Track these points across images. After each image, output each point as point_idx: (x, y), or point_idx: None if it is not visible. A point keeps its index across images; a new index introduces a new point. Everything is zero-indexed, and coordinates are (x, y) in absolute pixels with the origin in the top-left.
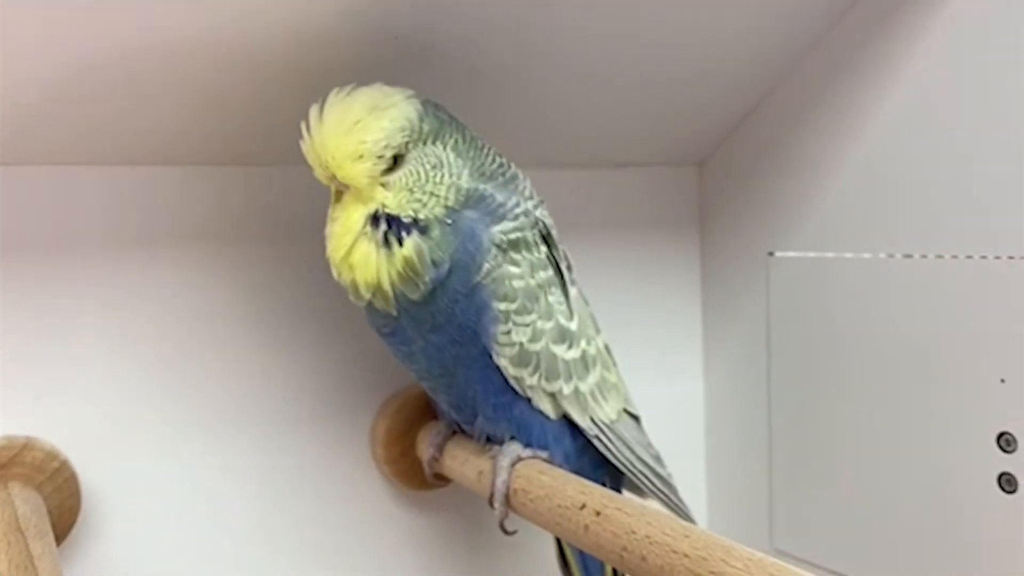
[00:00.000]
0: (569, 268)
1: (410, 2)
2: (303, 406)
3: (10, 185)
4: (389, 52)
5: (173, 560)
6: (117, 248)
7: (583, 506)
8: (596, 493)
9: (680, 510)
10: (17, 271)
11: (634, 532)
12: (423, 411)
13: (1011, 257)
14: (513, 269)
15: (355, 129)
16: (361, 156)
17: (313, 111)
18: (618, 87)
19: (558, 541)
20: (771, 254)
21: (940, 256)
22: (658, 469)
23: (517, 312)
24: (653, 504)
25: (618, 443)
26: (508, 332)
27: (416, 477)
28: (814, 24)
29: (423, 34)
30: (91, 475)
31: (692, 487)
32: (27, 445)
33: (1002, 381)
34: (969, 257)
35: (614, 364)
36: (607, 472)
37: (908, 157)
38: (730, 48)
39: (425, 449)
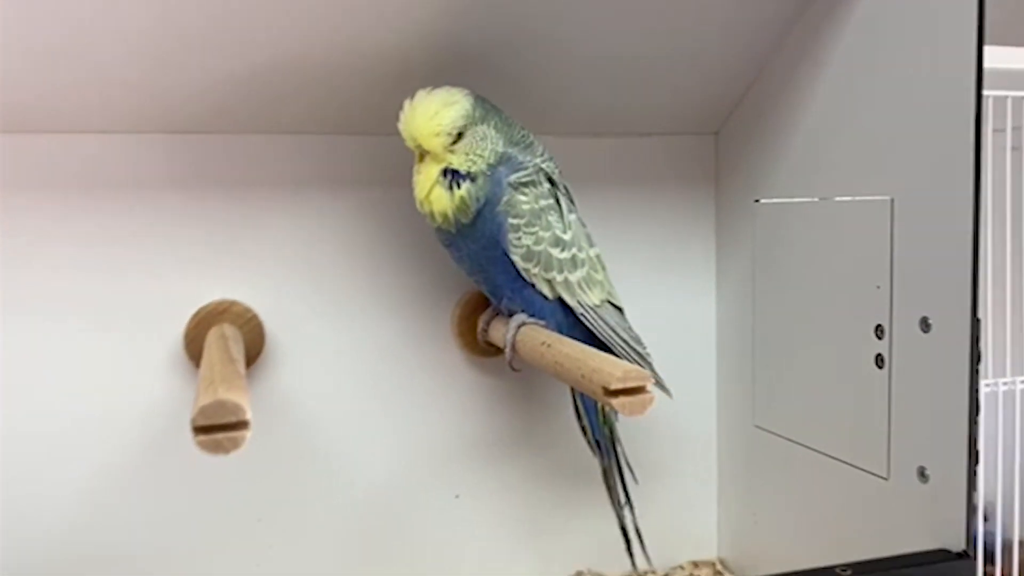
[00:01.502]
0: (571, 200)
1: (464, 19)
2: (407, 298)
3: (219, 148)
4: (450, 52)
5: (320, 385)
6: (286, 189)
7: (543, 343)
8: (552, 337)
9: (656, 380)
10: (233, 205)
11: (564, 354)
12: (482, 303)
13: (885, 197)
14: (522, 197)
15: (435, 117)
16: (438, 134)
17: (407, 103)
18: (644, 69)
19: (572, 392)
20: (756, 201)
21: (848, 198)
22: (635, 346)
23: (526, 225)
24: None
25: (599, 321)
26: (519, 238)
27: (478, 347)
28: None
29: (474, 38)
30: (272, 326)
31: (706, 380)
32: (233, 303)
33: (878, 288)
34: (862, 199)
35: (603, 268)
36: (595, 346)
37: (839, 123)
38: (723, 34)
39: (479, 324)
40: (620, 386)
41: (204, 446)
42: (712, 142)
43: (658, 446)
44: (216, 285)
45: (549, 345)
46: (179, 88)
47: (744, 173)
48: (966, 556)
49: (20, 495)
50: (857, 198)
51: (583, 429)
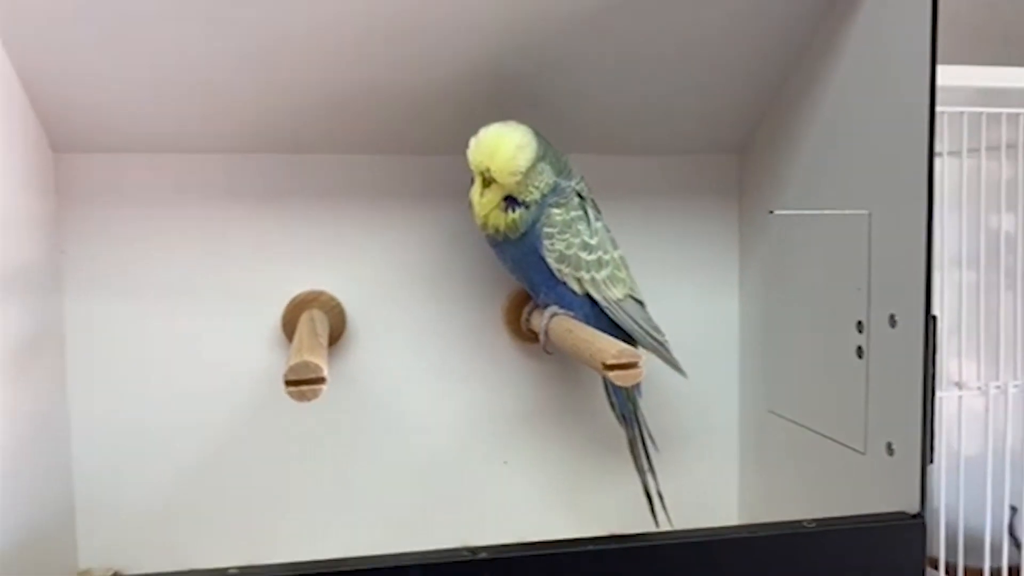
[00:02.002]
0: (597, 211)
1: (513, 55)
2: (464, 293)
3: (312, 166)
4: (499, 82)
5: (391, 363)
6: (365, 201)
7: (567, 330)
8: (575, 325)
9: (673, 363)
10: (322, 214)
11: (580, 338)
12: (526, 298)
13: (863, 211)
14: (556, 211)
15: (513, 160)
16: (514, 173)
17: (477, 138)
18: (672, 93)
19: (603, 380)
20: (771, 212)
21: (837, 212)
22: (654, 334)
23: (559, 233)
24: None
25: (621, 313)
26: (553, 244)
27: (523, 334)
28: (801, 33)
29: (520, 70)
30: (353, 312)
31: (728, 369)
32: (321, 293)
33: (858, 289)
34: (847, 212)
35: (626, 268)
36: (619, 335)
37: (833, 142)
38: (743, 62)
39: (523, 315)
40: (614, 362)
41: (292, 395)
42: (736, 160)
43: (685, 426)
44: (308, 278)
45: (571, 331)
46: (284, 118)
47: (763, 188)
48: (919, 517)
49: (155, 440)
50: (843, 211)
51: (612, 404)
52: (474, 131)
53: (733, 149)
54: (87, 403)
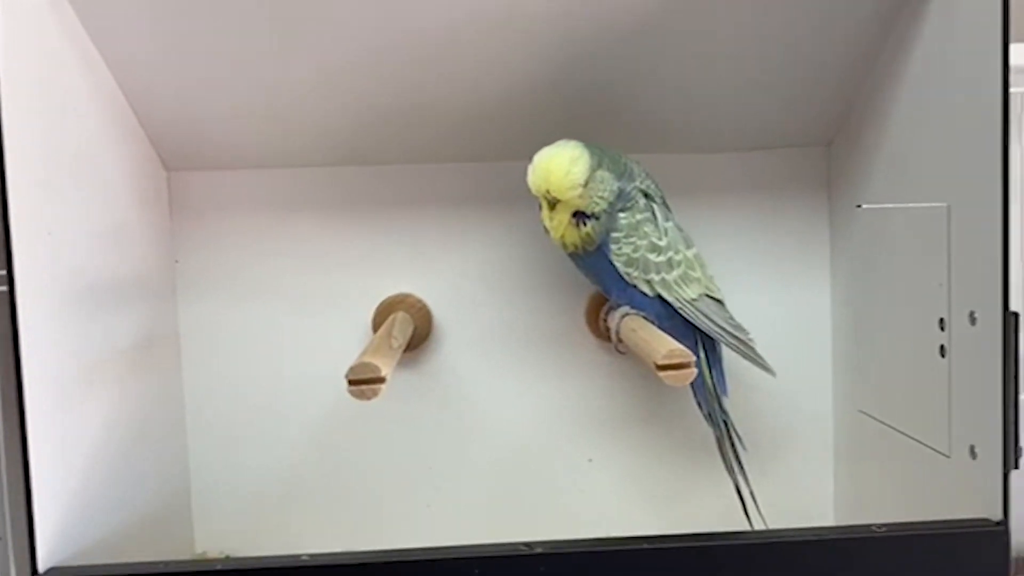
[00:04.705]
0: (667, 208)
1: (578, 65)
2: (548, 294)
3: (397, 176)
4: (572, 89)
5: (478, 361)
6: (450, 208)
7: (632, 329)
8: (641, 325)
9: (758, 361)
10: (409, 221)
11: (641, 338)
12: (605, 298)
13: (942, 204)
14: (622, 215)
15: (568, 175)
16: (573, 187)
17: (536, 159)
18: (756, 86)
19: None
20: (858, 206)
21: (918, 205)
22: (736, 333)
23: (625, 237)
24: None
25: (696, 312)
26: (620, 248)
27: (603, 333)
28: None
29: (596, 69)
30: (439, 313)
31: (822, 368)
32: (408, 296)
33: (940, 286)
34: (928, 205)
35: (701, 266)
36: (699, 334)
37: (914, 131)
38: (824, 53)
39: (601, 315)
40: (665, 362)
41: (352, 393)
42: (824, 153)
43: (779, 426)
44: (396, 281)
45: (635, 331)
46: (370, 132)
47: (852, 181)
48: (1002, 525)
49: (262, 431)
50: (923, 205)
51: (698, 403)
52: (550, 135)
53: (820, 142)
54: (201, 397)
